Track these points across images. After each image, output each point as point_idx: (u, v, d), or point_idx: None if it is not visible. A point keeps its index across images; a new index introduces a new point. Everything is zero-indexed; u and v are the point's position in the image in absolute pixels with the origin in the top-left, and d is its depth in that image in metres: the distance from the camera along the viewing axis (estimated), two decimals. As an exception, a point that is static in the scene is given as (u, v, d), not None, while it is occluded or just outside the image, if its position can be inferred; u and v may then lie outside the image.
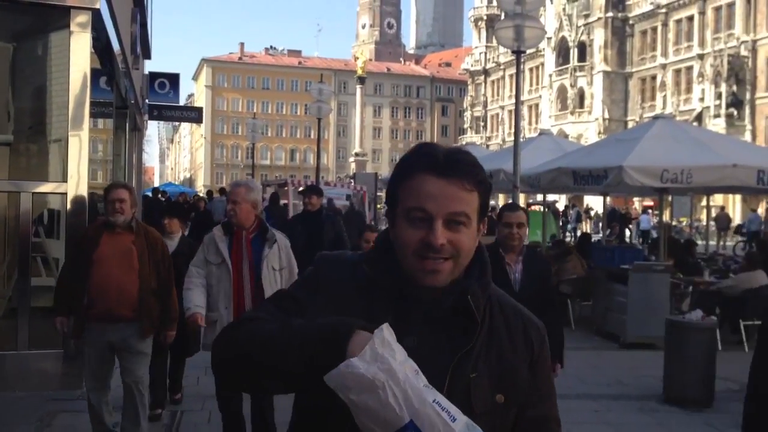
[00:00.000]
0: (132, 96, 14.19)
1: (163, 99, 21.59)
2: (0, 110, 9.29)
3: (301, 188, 30.08)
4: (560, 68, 68.49)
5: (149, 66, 22.44)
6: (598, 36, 64.03)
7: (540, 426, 1.69)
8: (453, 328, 1.60)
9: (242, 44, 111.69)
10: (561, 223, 31.72)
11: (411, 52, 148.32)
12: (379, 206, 36.49)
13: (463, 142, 66.32)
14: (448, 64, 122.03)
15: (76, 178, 7.43)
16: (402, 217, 1.60)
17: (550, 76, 69.98)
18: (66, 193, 7.52)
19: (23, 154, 9.79)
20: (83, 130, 7.45)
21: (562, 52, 68.30)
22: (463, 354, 1.57)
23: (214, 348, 1.61)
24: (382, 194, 43.22)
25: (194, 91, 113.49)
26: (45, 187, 8.09)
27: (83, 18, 7.26)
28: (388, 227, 1.70)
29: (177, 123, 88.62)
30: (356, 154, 55.55)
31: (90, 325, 5.34)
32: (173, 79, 21.85)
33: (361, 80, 59.13)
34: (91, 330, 5.35)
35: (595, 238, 22.63)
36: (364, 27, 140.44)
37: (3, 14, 8.56)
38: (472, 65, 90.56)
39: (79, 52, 7.31)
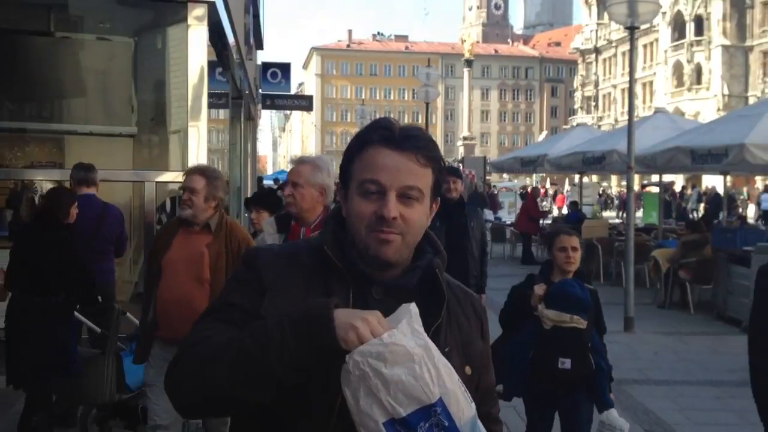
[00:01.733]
0: (246, 86, 14.57)
1: (275, 88, 22.17)
2: (124, 103, 9.75)
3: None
4: (676, 43, 65.78)
5: (261, 56, 23.03)
6: (717, 8, 61.06)
7: (491, 392, 1.79)
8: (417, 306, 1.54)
9: (350, 31, 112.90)
10: (678, 205, 30.59)
11: (519, 32, 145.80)
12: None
13: (574, 123, 64.86)
14: (558, 44, 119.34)
15: (195, 167, 7.70)
16: (355, 190, 1.59)
17: (665, 51, 67.33)
18: (185, 182, 7.81)
19: (145, 145, 10.23)
20: (201, 121, 7.71)
21: (678, 26, 65.55)
22: (435, 329, 1.56)
23: (172, 388, 1.53)
24: (491, 177, 42.92)
25: (304, 79, 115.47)
26: (166, 176, 8.44)
27: (200, 11, 7.50)
28: (341, 205, 1.69)
29: (288, 111, 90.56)
30: (464, 138, 54.99)
31: (156, 350, 4.30)
32: (284, 68, 22.39)
33: (469, 63, 58.36)
34: (157, 355, 4.28)
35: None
36: (470, 9, 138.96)
37: (124, 10, 8.97)
38: (582, 44, 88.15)
39: (196, 45, 7.55)
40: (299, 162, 4.06)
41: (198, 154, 7.72)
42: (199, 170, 4.39)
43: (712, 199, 28.81)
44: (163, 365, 3.83)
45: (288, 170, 4.03)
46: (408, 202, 1.56)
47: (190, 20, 7.53)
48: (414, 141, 1.58)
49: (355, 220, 1.58)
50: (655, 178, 25.16)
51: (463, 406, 1.40)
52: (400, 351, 1.33)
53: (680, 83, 65.15)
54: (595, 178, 50.86)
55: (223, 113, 13.45)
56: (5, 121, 9.87)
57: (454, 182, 6.67)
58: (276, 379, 1.38)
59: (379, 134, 1.59)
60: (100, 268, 6.11)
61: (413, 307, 1.41)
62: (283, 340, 1.37)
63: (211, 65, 9.11)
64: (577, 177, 22.93)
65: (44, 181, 9.46)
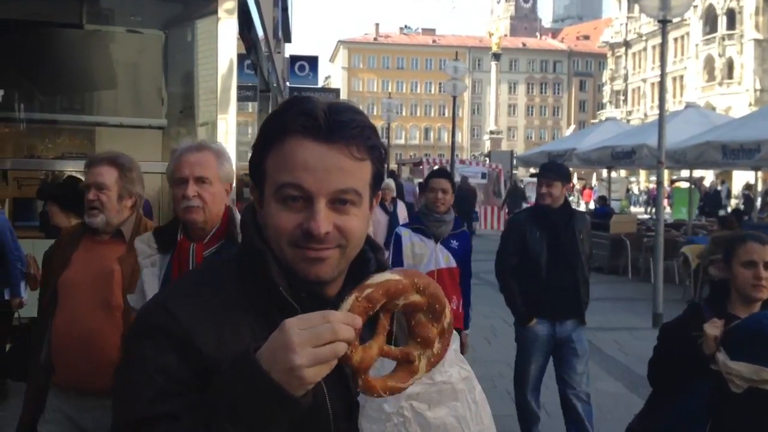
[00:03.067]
0: (274, 79, 14.63)
1: (303, 81, 22.28)
2: (154, 96, 9.81)
3: (436, 166, 30.08)
4: (707, 37, 65.02)
5: (289, 49, 23.10)
6: (749, 2, 60.26)
7: None
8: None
9: (377, 25, 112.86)
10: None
11: (547, 25, 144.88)
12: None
13: (603, 117, 64.36)
14: (587, 37, 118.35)
15: (224, 159, 7.74)
16: (272, 195, 1.24)
17: (697, 45, 66.57)
18: (215, 174, 7.86)
19: (174, 137, 10.29)
20: (230, 114, 7.73)
21: (710, 20, 64.78)
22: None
23: None
24: (518, 172, 42.74)
25: (330, 73, 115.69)
26: (195, 169, 8.48)
27: (230, 4, 7.52)
28: (255, 209, 1.33)
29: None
30: (491, 132, 55.09)
31: (52, 401, 3.16)
32: (312, 61, 22.49)
33: (496, 57, 58.42)
34: (53, 408, 3.15)
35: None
36: (498, 2, 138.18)
37: (155, 3, 9.02)
38: (612, 37, 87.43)
39: (226, 38, 7.58)
40: (198, 149, 2.82)
41: (226, 146, 7.75)
42: (107, 159, 3.24)
43: (708, 195, 28.19)
44: (63, 422, 3.11)
45: (180, 161, 2.79)
46: (343, 208, 1.23)
47: (220, 13, 7.55)
48: (346, 129, 1.22)
49: (273, 234, 1.25)
50: (684, 173, 24.89)
51: None
52: (448, 389, 1.15)
53: (711, 77, 64.41)
54: (623, 173, 50.52)
55: (251, 106, 13.50)
56: (36, 112, 9.98)
57: (550, 186, 5.18)
58: None
59: (300, 122, 1.22)
60: (130, 258, 6.15)
61: (453, 331, 1.19)
62: (227, 412, 1.06)
63: (240, 58, 9.13)
64: (605, 172, 22.76)
65: (74, 172, 9.57)
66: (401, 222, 10.09)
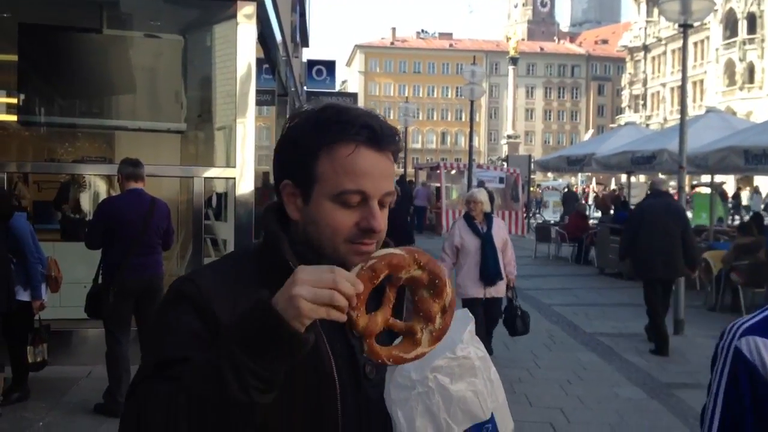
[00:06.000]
0: (292, 83, 14.65)
1: (320, 85, 22.29)
2: (173, 100, 9.85)
3: (453, 171, 29.96)
4: (728, 41, 64.53)
5: (306, 54, 23.16)
6: (771, 5, 59.83)
7: None
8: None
9: (394, 29, 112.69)
10: (730, 206, 29.97)
11: (565, 29, 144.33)
12: (532, 189, 35.96)
13: (621, 122, 64.04)
14: (605, 41, 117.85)
15: (242, 163, 7.75)
16: (328, 198, 1.35)
17: (717, 50, 66.10)
18: (233, 178, 7.87)
19: (192, 141, 10.33)
20: (248, 118, 7.75)
21: (730, 24, 64.30)
22: None
23: None
24: (536, 177, 42.53)
25: (347, 77, 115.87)
26: (213, 172, 8.51)
27: (249, 9, 7.54)
28: (275, 203, 1.46)
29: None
30: (508, 137, 54.77)
31: None
32: (330, 66, 22.49)
33: (514, 61, 58.14)
34: None
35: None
36: (516, 6, 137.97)
37: (174, 8, 9.05)
38: (630, 41, 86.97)
39: (245, 43, 7.59)
40: None
41: (245, 150, 7.77)
42: None
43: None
44: None
45: None
46: (384, 208, 1.39)
47: (239, 18, 7.57)
48: (393, 138, 1.38)
49: (329, 233, 1.36)
50: (705, 178, 24.73)
51: (507, 422, 1.34)
52: (467, 365, 1.25)
53: (732, 82, 63.94)
54: (642, 178, 50.22)
55: (268, 111, 13.52)
56: (56, 116, 10.04)
57: None
58: (249, 409, 1.16)
59: (366, 135, 1.35)
60: (150, 261, 6.20)
61: (469, 313, 1.32)
62: (236, 363, 1.13)
63: (258, 62, 9.14)
64: (624, 177, 22.62)
65: (94, 175, 9.63)
66: (498, 246, 7.32)
